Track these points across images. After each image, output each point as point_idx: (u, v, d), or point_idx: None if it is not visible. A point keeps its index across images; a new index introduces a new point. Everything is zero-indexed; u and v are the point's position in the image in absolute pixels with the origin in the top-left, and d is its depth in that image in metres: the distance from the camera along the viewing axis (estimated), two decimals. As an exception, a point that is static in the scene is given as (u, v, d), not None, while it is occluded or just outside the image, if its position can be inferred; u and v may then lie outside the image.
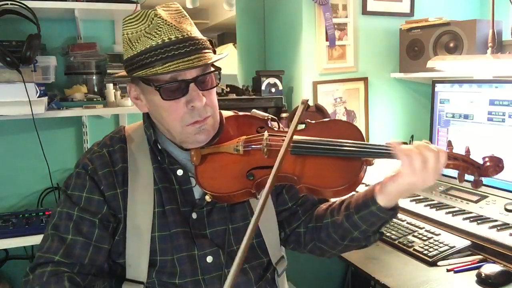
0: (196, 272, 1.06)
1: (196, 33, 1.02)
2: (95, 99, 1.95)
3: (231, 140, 1.10)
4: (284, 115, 2.28)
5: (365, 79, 2.46)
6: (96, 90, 2.05)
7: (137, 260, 1.06)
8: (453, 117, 1.92)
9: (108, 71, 2.01)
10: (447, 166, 0.98)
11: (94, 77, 2.05)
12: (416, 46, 2.31)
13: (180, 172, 1.10)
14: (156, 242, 1.06)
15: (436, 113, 1.99)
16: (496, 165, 0.97)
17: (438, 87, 1.98)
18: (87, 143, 2.11)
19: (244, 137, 1.09)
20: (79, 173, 1.09)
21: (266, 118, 1.15)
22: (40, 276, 0.98)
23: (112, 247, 1.08)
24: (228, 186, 1.02)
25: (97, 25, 2.11)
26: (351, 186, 0.97)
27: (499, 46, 1.97)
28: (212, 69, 1.05)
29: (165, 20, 0.98)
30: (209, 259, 1.07)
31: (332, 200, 1.18)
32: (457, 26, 2.12)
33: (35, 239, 1.72)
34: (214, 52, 1.06)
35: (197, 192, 1.11)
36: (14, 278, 2.06)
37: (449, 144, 1.00)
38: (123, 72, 1.06)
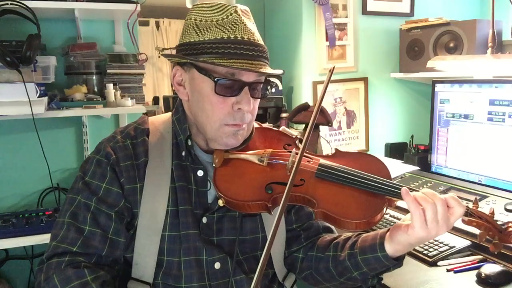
0: (203, 277, 1.05)
1: (261, 40, 1.03)
2: (95, 99, 1.95)
3: (257, 150, 1.09)
4: (284, 115, 2.28)
5: (365, 79, 2.46)
6: (96, 90, 2.05)
7: (145, 258, 1.04)
8: (453, 117, 1.92)
9: (108, 71, 2.01)
10: (470, 223, 0.97)
11: (94, 77, 2.05)
12: (416, 46, 2.31)
13: (200, 173, 1.09)
14: (165, 241, 1.04)
15: (436, 113, 1.99)
16: None
17: (438, 87, 1.98)
18: (87, 143, 2.11)
19: (271, 150, 1.08)
20: (100, 161, 1.06)
21: (294, 137, 1.15)
22: (58, 265, 0.98)
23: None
24: (245, 194, 1.00)
25: (97, 25, 2.11)
26: (368, 222, 0.95)
27: (499, 46, 1.97)
28: (263, 79, 1.05)
29: (242, 19, 0.99)
30: (217, 265, 1.06)
31: (337, 233, 1.18)
32: (457, 26, 2.12)
33: (35, 239, 1.72)
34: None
35: (210, 196, 1.10)
36: (14, 278, 2.06)
37: (475, 201, 0.99)
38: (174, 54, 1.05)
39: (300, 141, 1.13)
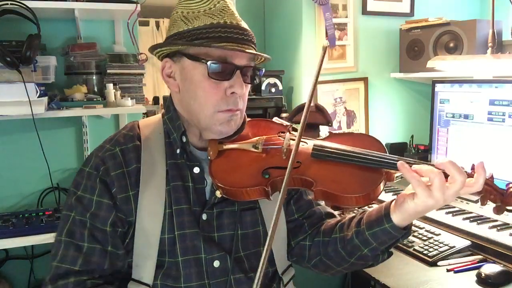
0: (202, 276, 1.05)
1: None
2: (95, 99, 1.95)
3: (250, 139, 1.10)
4: (284, 115, 2.28)
5: (365, 79, 2.46)
6: (96, 90, 2.05)
7: (144, 261, 1.04)
8: (453, 117, 1.92)
9: (108, 71, 2.01)
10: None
11: (94, 77, 2.05)
12: (416, 46, 2.31)
13: (196, 170, 1.08)
14: (166, 244, 1.04)
15: (436, 113, 1.99)
16: None
17: (438, 87, 1.98)
18: (87, 143, 2.11)
19: (265, 136, 1.09)
20: (90, 173, 1.05)
21: (287, 125, 1.15)
22: (64, 286, 0.97)
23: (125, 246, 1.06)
24: (242, 181, 1.00)
25: (97, 25, 2.11)
26: (368, 196, 0.95)
27: (499, 46, 1.97)
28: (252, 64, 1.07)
29: (228, 6, 1.02)
30: (216, 263, 1.06)
31: (339, 216, 1.18)
32: (457, 26, 2.12)
33: (35, 239, 1.72)
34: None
35: (208, 193, 1.09)
36: (14, 278, 2.06)
37: (473, 167, 0.97)
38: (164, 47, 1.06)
39: (294, 129, 1.14)
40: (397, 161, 0.94)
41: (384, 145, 1.06)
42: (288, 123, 1.16)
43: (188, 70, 1.03)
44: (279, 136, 1.10)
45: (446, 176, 0.91)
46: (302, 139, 1.05)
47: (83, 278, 0.98)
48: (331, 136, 1.10)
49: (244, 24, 1.03)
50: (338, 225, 1.12)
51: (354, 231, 1.04)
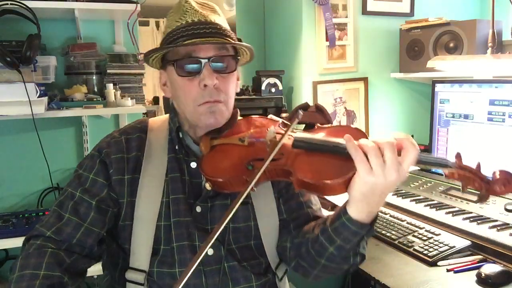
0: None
1: (224, 25, 1.09)
2: (95, 99, 1.95)
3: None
4: (284, 115, 2.28)
5: (365, 79, 2.46)
6: (96, 90, 2.05)
7: (141, 248, 1.08)
8: (453, 117, 1.92)
9: (108, 71, 2.01)
10: (452, 176, 0.95)
11: (94, 77, 2.05)
12: (416, 46, 2.31)
13: (194, 164, 1.13)
14: (161, 230, 1.08)
15: (436, 113, 1.99)
16: (506, 180, 0.91)
17: (438, 87, 1.98)
18: (87, 143, 2.11)
19: (252, 130, 1.13)
20: (93, 155, 1.14)
21: (279, 121, 1.18)
22: (28, 248, 1.03)
23: (120, 232, 1.11)
24: (227, 172, 1.04)
25: (97, 25, 2.11)
26: (345, 183, 0.93)
27: (499, 46, 1.97)
28: (232, 53, 1.10)
29: (192, 6, 1.07)
30: (210, 251, 1.08)
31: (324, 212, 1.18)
32: (457, 26, 2.12)
33: (35, 239, 1.72)
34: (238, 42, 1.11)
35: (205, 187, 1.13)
36: (14, 278, 2.06)
37: (457, 155, 0.96)
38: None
39: (284, 124, 1.16)
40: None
41: (366, 134, 1.03)
42: (279, 119, 1.19)
43: (170, 75, 1.10)
44: (267, 130, 1.12)
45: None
46: (290, 133, 1.06)
47: (48, 244, 1.03)
48: (317, 130, 1.11)
49: (213, 18, 1.07)
50: (312, 225, 1.12)
51: (321, 228, 1.04)
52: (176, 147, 1.14)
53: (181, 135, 1.15)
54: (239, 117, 1.20)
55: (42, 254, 1.00)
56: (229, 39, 1.08)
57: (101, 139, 1.19)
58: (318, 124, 1.13)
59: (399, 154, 0.90)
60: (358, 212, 0.95)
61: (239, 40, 1.12)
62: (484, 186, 0.94)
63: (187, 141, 1.16)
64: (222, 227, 0.89)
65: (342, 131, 1.03)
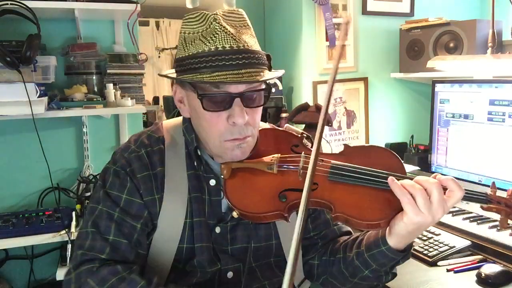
0: (213, 284, 1.05)
1: (255, 46, 0.96)
2: (95, 99, 1.95)
3: (264, 155, 1.04)
4: (284, 115, 2.28)
5: (365, 79, 2.46)
6: (96, 90, 2.05)
7: (160, 265, 1.03)
8: (453, 117, 1.92)
9: (108, 71, 2.01)
10: (489, 209, 0.94)
11: (94, 77, 2.05)
12: (416, 46, 2.31)
13: (213, 182, 1.06)
14: (183, 252, 1.03)
15: (436, 113, 1.99)
16: None
17: (438, 87, 1.98)
18: (87, 143, 2.11)
19: (279, 155, 1.03)
20: (117, 171, 1.04)
21: (300, 135, 1.11)
22: (89, 270, 0.95)
23: None
24: (259, 205, 0.96)
25: (97, 25, 2.11)
26: (388, 221, 0.92)
27: (499, 46, 1.97)
28: (263, 86, 0.99)
29: (223, 27, 0.93)
30: (230, 274, 1.06)
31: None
32: (457, 26, 2.12)
33: (35, 239, 1.73)
34: (270, 68, 1.00)
35: (224, 206, 1.08)
36: (14, 278, 2.06)
37: (493, 186, 0.95)
38: (172, 71, 1.02)
39: (307, 137, 1.10)
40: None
41: (400, 159, 1.01)
42: (300, 132, 1.12)
43: (191, 98, 0.99)
44: (293, 151, 1.06)
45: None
46: (319, 157, 0.99)
47: (109, 262, 0.97)
48: (347, 152, 1.04)
49: (247, 40, 0.94)
50: (342, 245, 1.11)
51: (355, 252, 1.04)
52: (195, 163, 1.06)
53: (199, 153, 1.06)
54: None
55: (111, 265, 0.94)
56: (262, 68, 0.95)
57: (117, 150, 1.09)
58: (346, 144, 1.05)
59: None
60: (398, 243, 0.96)
61: (268, 56, 1.00)
62: (503, 211, 0.93)
63: (205, 157, 1.08)
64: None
65: (376, 155, 1.01)
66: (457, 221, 1.58)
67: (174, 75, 0.99)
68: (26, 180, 2.04)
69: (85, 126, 2.11)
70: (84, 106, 1.90)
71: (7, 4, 1.68)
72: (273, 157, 1.02)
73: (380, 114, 2.53)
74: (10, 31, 1.90)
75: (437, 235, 1.53)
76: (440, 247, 1.44)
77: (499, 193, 0.95)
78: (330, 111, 2.32)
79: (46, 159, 1.89)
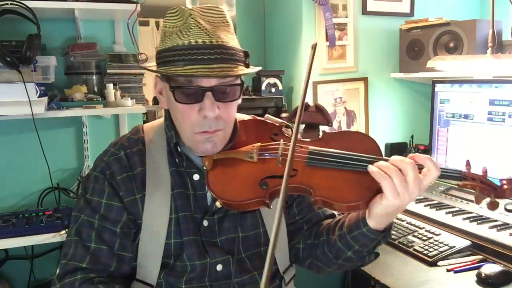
0: (204, 278, 1.06)
1: (231, 42, 0.98)
2: (95, 99, 1.95)
3: (245, 145, 1.06)
4: (284, 115, 2.28)
5: (365, 79, 2.46)
6: (96, 90, 2.05)
7: (150, 262, 1.05)
8: (453, 117, 1.92)
9: (108, 71, 2.01)
10: (464, 186, 0.96)
11: (94, 77, 2.05)
12: (416, 46, 2.31)
13: (196, 176, 1.09)
14: (172, 248, 1.05)
15: (436, 113, 1.99)
16: None
17: (438, 87, 1.98)
18: (87, 143, 2.11)
19: (259, 144, 1.05)
20: (97, 177, 1.07)
21: (280, 124, 1.12)
22: (71, 284, 0.97)
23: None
24: (241, 194, 0.99)
25: (97, 25, 2.11)
26: (366, 202, 0.95)
27: (499, 46, 1.97)
28: (238, 81, 1.02)
29: (198, 22, 0.95)
30: (219, 267, 1.07)
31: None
32: (457, 26, 2.12)
33: (35, 239, 1.72)
34: (247, 65, 1.02)
35: (209, 199, 1.10)
36: (14, 278, 2.06)
37: (468, 163, 0.97)
38: (153, 63, 1.04)
39: (286, 126, 1.11)
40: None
41: (377, 143, 1.04)
42: (280, 121, 1.13)
43: (166, 90, 1.02)
44: (273, 139, 1.08)
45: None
46: (297, 144, 1.02)
47: (90, 275, 0.99)
48: (325, 138, 1.06)
49: (222, 36, 0.96)
50: (325, 227, 1.13)
51: (337, 234, 1.06)
52: (177, 160, 1.09)
53: (179, 149, 1.09)
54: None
55: (92, 284, 0.97)
56: (237, 64, 0.98)
57: (98, 156, 1.11)
58: (324, 130, 1.08)
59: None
60: (378, 224, 0.98)
61: (245, 53, 1.03)
62: (493, 193, 0.95)
63: (187, 152, 1.10)
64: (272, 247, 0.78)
65: (352, 139, 1.03)
66: (457, 221, 1.58)
67: (155, 68, 1.01)
68: (26, 180, 2.04)
69: (85, 126, 2.11)
70: (84, 106, 1.89)
71: (7, 4, 1.68)
72: (253, 146, 1.05)
73: (380, 114, 2.53)
74: (10, 31, 1.90)
75: (437, 235, 1.53)
76: (440, 247, 1.45)
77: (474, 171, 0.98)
78: (330, 111, 2.32)
79: (46, 159, 1.89)
